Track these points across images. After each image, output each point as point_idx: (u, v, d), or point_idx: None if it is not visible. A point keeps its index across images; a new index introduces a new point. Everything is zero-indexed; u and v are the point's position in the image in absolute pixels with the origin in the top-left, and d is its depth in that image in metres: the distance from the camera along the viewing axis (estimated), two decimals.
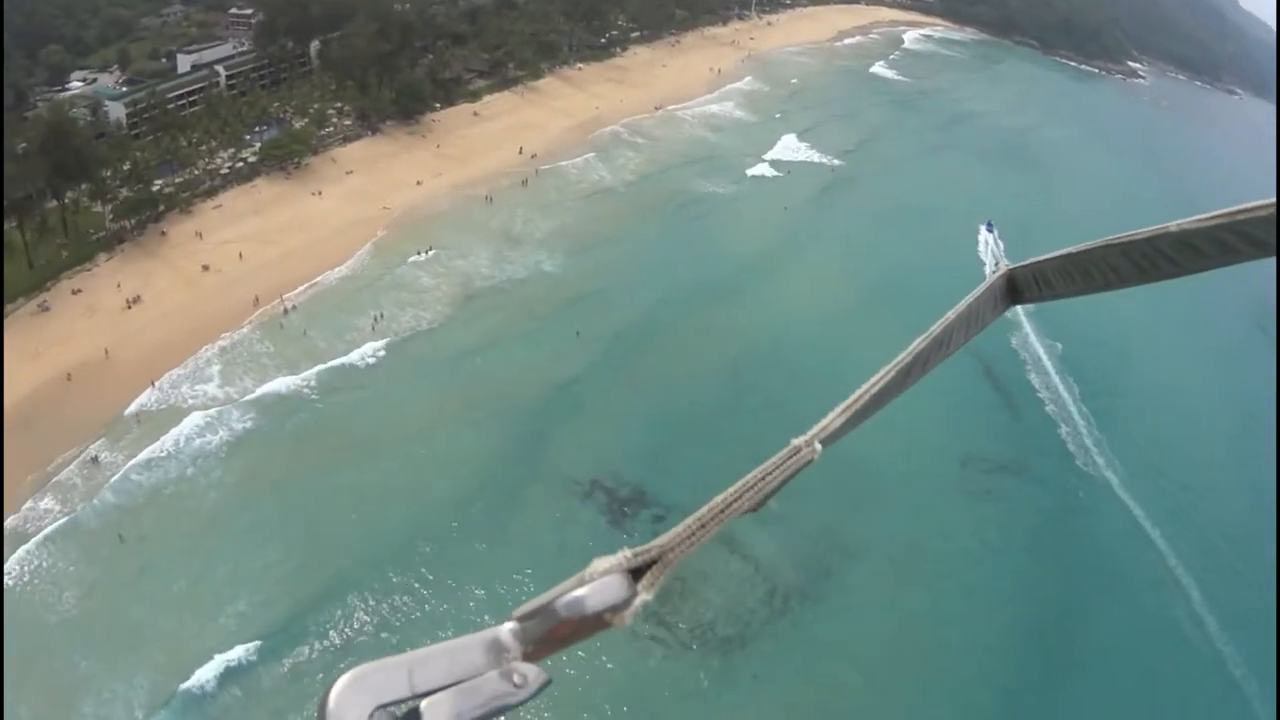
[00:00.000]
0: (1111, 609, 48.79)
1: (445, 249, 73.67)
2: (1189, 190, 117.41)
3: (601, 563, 1.28)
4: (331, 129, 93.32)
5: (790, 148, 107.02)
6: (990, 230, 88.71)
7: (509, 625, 1.27)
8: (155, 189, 76.86)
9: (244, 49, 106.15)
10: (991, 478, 57.50)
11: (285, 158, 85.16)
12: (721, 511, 1.40)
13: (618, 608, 1.26)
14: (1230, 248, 1.69)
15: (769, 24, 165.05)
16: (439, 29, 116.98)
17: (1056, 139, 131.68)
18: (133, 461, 50.72)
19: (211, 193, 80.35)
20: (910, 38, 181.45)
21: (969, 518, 53.83)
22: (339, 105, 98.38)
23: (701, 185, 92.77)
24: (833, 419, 1.63)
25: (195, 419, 53.99)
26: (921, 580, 48.60)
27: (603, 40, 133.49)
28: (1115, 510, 56.28)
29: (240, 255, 70.97)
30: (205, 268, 69.19)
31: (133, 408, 54.68)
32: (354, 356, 60.55)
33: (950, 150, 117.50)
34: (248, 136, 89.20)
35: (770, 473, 1.48)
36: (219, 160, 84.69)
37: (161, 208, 75.76)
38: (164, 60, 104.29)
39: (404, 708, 1.16)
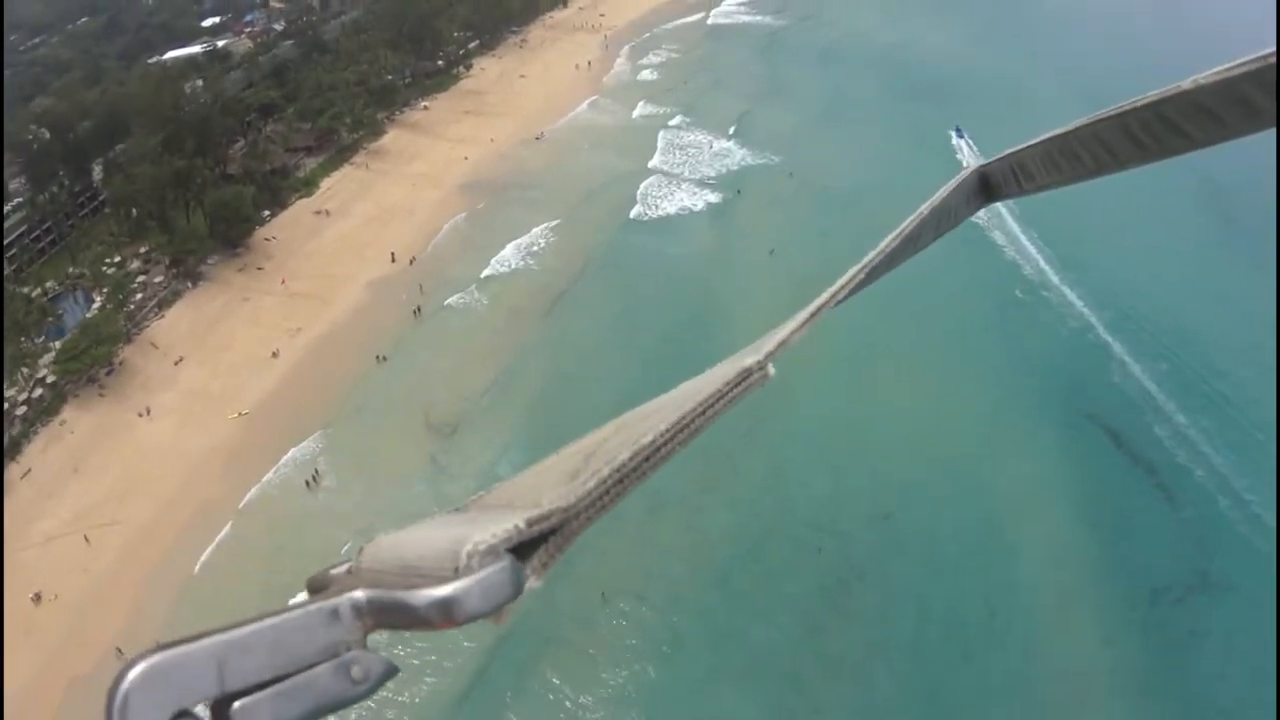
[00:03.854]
0: None
1: (343, 472, 48.89)
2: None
3: (480, 535, 0.91)
4: (140, 294, 66.21)
5: (719, 151, 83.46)
6: (961, 136, 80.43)
7: (349, 599, 0.94)
8: None
9: (20, 200, 77.47)
10: (1187, 610, 39.97)
11: (92, 365, 58.38)
12: (645, 459, 1.04)
13: (498, 607, 0.90)
14: (1258, 109, 1.28)
15: None
16: (243, 107, 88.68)
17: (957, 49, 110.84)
18: None
19: (13, 449, 53.72)
20: None
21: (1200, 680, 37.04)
22: (144, 250, 71.04)
23: (643, 242, 68.34)
24: (790, 333, 1.33)
25: None
26: None
27: (440, 62, 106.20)
28: None
29: (81, 551, 46.29)
30: (37, 597, 44.27)
31: None
32: None
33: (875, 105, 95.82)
34: (40, 338, 61.74)
35: (711, 402, 1.14)
36: (9, 394, 57.53)
37: None
38: None
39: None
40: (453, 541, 0.91)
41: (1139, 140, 1.50)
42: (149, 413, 55.29)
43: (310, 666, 0.90)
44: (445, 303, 62.25)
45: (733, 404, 1.17)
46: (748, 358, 1.23)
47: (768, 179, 77.37)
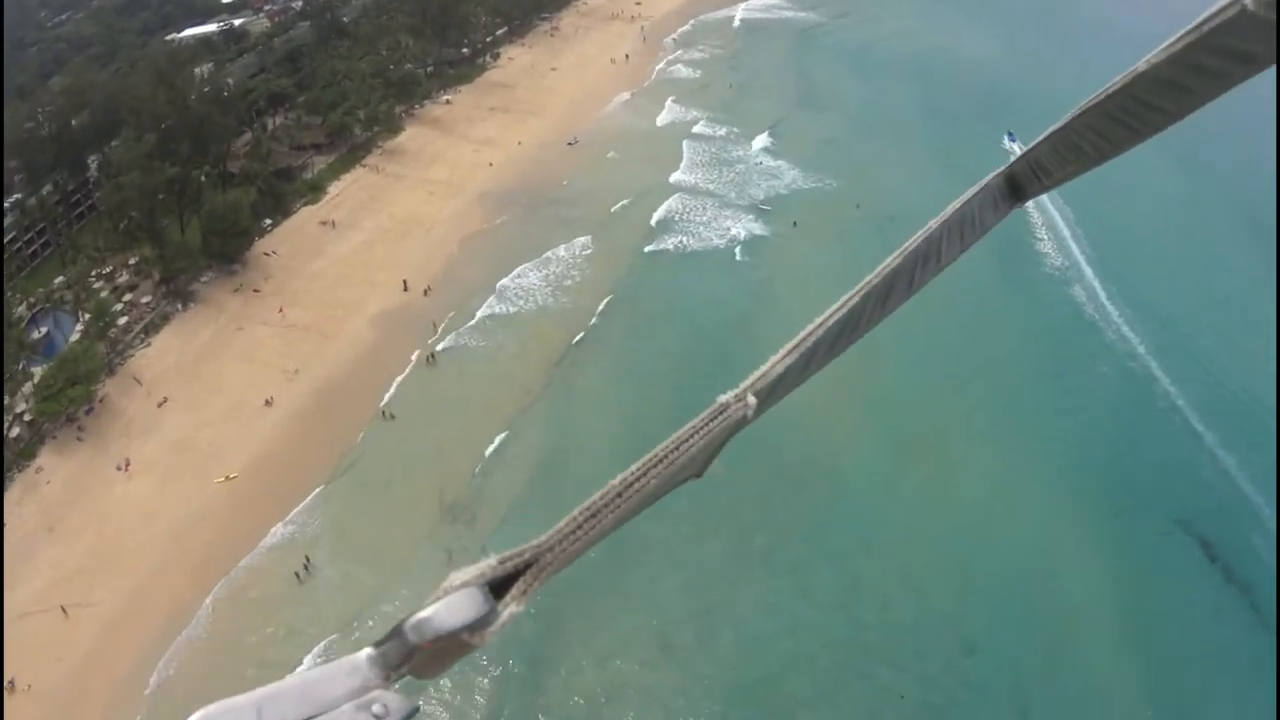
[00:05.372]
0: None
1: (341, 563, 41.73)
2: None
3: (459, 575, 1.06)
4: (126, 316, 59.12)
5: (768, 169, 74.87)
6: (1014, 140, 72.87)
7: (366, 651, 1.06)
8: None
9: (16, 198, 70.32)
10: None
11: (70, 405, 51.61)
12: (618, 495, 1.11)
13: (474, 627, 1.03)
14: (1215, 72, 1.32)
15: None
16: (251, 97, 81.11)
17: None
18: None
19: None
20: None
21: None
22: (133, 262, 63.92)
23: (678, 280, 60.13)
24: (773, 364, 1.31)
25: None
26: None
27: (465, 50, 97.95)
28: None
29: (57, 630, 40.44)
30: (11, 685, 38.33)
31: None
32: None
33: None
34: (22, 364, 54.64)
35: (686, 439, 1.18)
36: None
37: None
38: None
39: None
40: (438, 588, 1.02)
41: (1124, 123, 1.49)
42: (128, 467, 48.51)
43: (336, 708, 0.99)
44: (462, 343, 54.99)
45: (708, 440, 1.18)
46: (725, 394, 1.22)
47: (826, 207, 68.28)
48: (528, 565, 1.06)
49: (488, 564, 1.05)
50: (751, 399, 1.22)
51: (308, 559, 41.66)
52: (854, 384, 45.66)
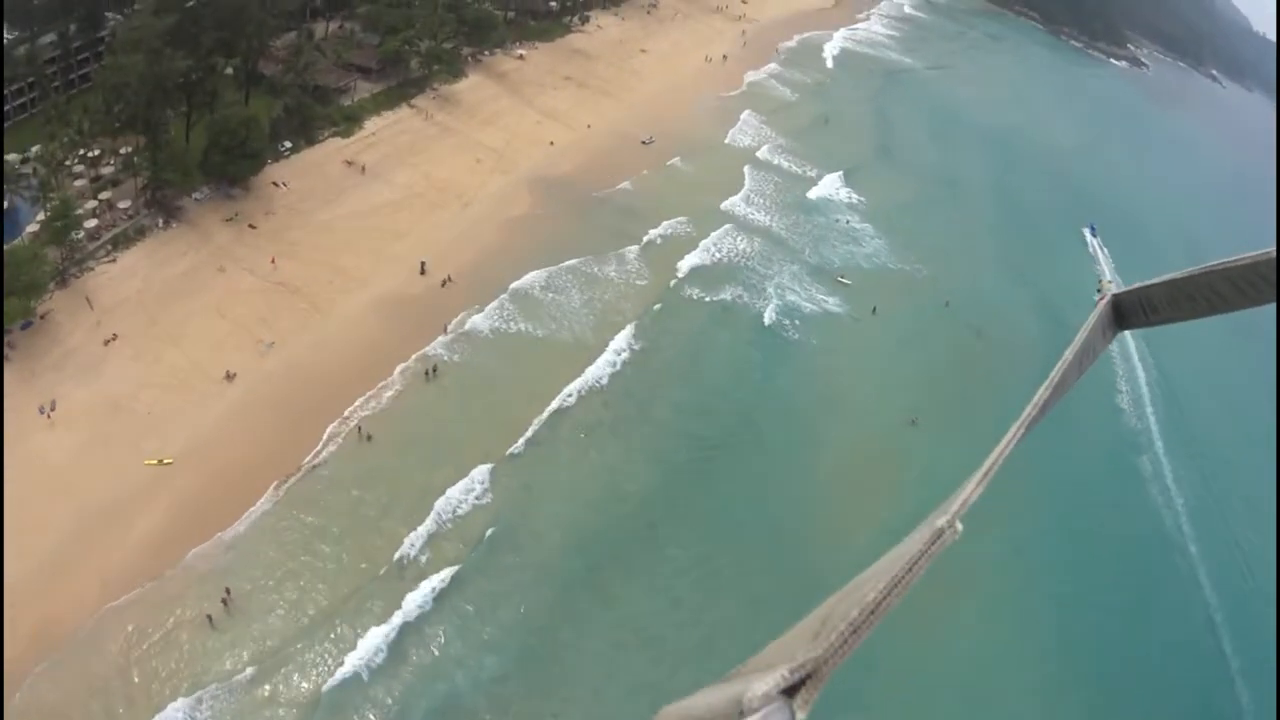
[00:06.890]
0: None
1: (263, 610, 33.71)
2: None
3: (759, 684, 1.13)
4: (95, 220, 50.30)
5: (850, 231, 66.76)
6: (1094, 235, 78.45)
7: None
8: None
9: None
10: None
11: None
12: (872, 613, 1.22)
13: None
14: None
15: None
16: None
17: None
18: None
19: None
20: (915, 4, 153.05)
21: None
22: (125, 151, 54.95)
23: (738, 346, 52.58)
24: (971, 491, 1.46)
25: None
26: None
27: (553, 2, 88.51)
28: None
29: None
30: None
31: None
32: None
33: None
34: None
35: (916, 560, 1.30)
36: None
37: None
38: None
39: None
40: (733, 696, 1.10)
41: (1244, 290, 1.81)
42: (52, 411, 40.03)
43: None
44: (468, 359, 46.86)
45: (931, 558, 1.28)
46: (939, 519, 1.32)
47: (910, 296, 60.64)
48: (809, 675, 1.12)
49: (780, 675, 1.09)
50: (959, 525, 1.31)
51: (228, 592, 33.70)
52: (866, 488, 41.13)
